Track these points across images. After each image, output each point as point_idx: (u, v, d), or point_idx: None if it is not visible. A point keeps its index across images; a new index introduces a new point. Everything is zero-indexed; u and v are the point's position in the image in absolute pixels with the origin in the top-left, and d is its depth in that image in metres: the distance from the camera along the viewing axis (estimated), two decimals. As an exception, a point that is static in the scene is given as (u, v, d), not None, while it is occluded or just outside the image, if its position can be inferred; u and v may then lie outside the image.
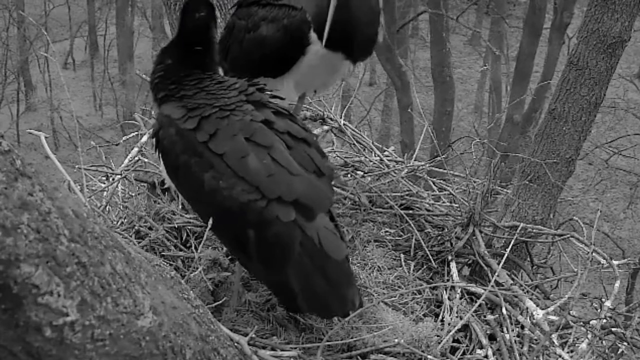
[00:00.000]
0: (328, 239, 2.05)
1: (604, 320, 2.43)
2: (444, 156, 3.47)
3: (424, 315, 2.53)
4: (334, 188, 2.46)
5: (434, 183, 3.33)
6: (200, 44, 2.25)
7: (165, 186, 2.87)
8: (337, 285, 2.09)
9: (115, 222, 2.88)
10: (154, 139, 2.19)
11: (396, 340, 2.24)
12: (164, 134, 2.12)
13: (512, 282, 2.66)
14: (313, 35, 2.56)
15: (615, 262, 2.63)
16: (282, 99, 2.28)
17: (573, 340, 2.47)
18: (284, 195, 1.99)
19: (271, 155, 2.01)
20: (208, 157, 2.01)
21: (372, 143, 3.49)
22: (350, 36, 2.53)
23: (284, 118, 2.16)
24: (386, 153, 3.46)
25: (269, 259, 2.05)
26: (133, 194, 3.11)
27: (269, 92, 2.25)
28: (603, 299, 2.55)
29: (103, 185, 3.11)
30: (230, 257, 2.53)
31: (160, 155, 2.18)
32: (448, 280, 2.70)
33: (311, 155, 2.11)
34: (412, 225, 2.89)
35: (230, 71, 2.74)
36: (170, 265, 2.33)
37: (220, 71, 2.38)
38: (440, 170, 3.48)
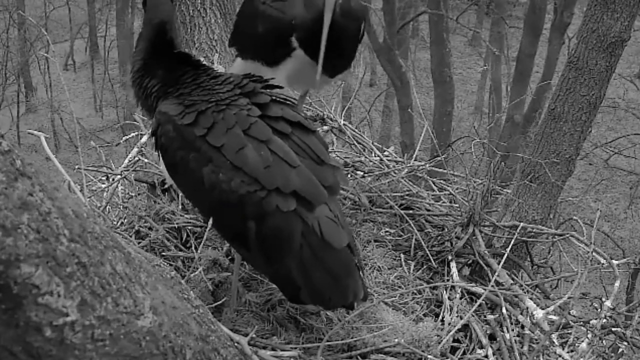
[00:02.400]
0: (329, 227, 2.03)
1: (604, 320, 2.43)
2: (444, 156, 3.47)
3: (424, 315, 2.53)
4: None
5: (434, 183, 3.33)
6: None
7: (165, 186, 2.87)
8: (338, 275, 2.07)
9: (115, 222, 2.89)
10: (153, 137, 2.19)
11: (396, 340, 2.24)
12: (162, 131, 2.13)
13: (512, 281, 2.66)
14: (294, 41, 2.60)
15: (615, 262, 2.63)
16: (280, 87, 2.29)
17: (573, 340, 2.47)
18: (282, 187, 1.98)
19: (269, 147, 2.01)
20: (206, 150, 2.02)
21: (372, 143, 3.49)
22: (329, 59, 2.56)
23: (280, 105, 2.15)
24: (386, 153, 3.46)
25: (270, 251, 2.04)
26: (133, 194, 3.11)
27: (265, 82, 2.24)
28: (603, 299, 2.54)
29: (103, 185, 3.11)
30: (230, 257, 2.54)
31: (159, 152, 2.19)
32: (448, 280, 2.70)
33: (308, 143, 2.10)
34: (412, 225, 2.89)
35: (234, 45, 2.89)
36: (171, 265, 2.34)
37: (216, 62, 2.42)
38: (441, 170, 3.49)
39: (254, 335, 2.09)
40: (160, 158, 2.19)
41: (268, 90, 2.20)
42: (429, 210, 3.05)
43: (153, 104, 2.24)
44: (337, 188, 2.14)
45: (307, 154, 2.08)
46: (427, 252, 2.79)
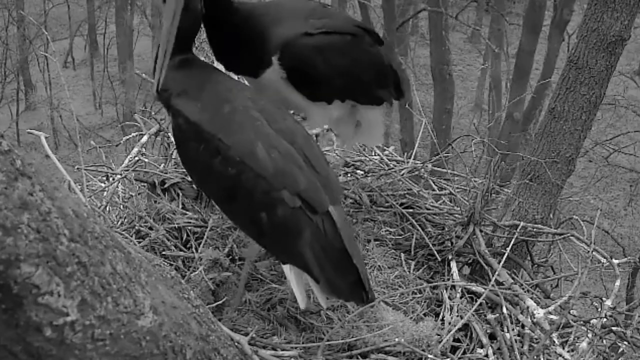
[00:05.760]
0: (330, 228, 2.07)
1: (605, 319, 2.43)
2: (445, 154, 3.47)
3: (425, 314, 2.53)
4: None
5: (434, 182, 3.33)
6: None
7: (166, 186, 2.87)
8: (343, 273, 2.10)
9: (115, 222, 2.88)
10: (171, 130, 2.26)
11: (397, 339, 2.24)
12: (175, 124, 2.18)
13: (512, 281, 2.66)
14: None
15: (616, 261, 2.63)
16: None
17: (573, 340, 2.46)
18: (289, 188, 2.03)
19: (279, 150, 2.05)
20: (217, 145, 2.06)
21: (372, 142, 3.48)
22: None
23: (288, 120, 2.21)
24: (386, 152, 3.45)
25: (283, 241, 2.09)
26: (133, 194, 3.11)
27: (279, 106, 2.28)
28: (603, 298, 2.55)
29: (103, 185, 3.12)
30: (230, 257, 2.54)
31: (174, 143, 2.27)
32: (448, 279, 2.70)
33: (309, 154, 2.13)
34: (414, 223, 2.89)
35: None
36: (171, 265, 2.34)
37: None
38: (441, 170, 3.48)
39: (254, 335, 2.09)
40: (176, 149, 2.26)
41: (280, 110, 2.24)
42: (429, 210, 3.04)
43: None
44: (335, 200, 2.16)
45: (308, 165, 2.11)
46: (433, 249, 2.78)
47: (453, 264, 2.75)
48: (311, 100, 2.54)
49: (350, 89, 2.63)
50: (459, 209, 3.07)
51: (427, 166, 3.34)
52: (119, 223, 2.86)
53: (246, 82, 2.58)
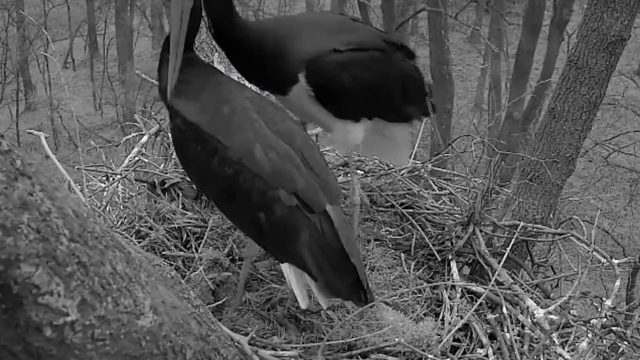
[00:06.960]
0: (328, 227, 2.08)
1: (605, 319, 2.43)
2: (445, 154, 3.47)
3: (425, 314, 2.53)
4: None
5: (434, 182, 3.33)
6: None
7: (166, 186, 2.87)
8: (341, 273, 2.11)
9: (115, 222, 2.89)
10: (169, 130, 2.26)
11: (397, 339, 2.24)
12: (173, 125, 2.19)
13: (512, 281, 2.66)
14: None
15: (616, 261, 2.62)
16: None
17: (573, 339, 2.46)
18: (286, 188, 2.03)
19: (277, 151, 2.06)
20: (215, 146, 2.07)
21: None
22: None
23: (286, 122, 2.20)
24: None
25: (282, 242, 2.09)
26: (133, 194, 3.12)
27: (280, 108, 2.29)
28: (603, 298, 2.54)
29: (103, 185, 3.12)
30: (230, 257, 2.54)
31: (173, 143, 2.27)
32: (448, 279, 2.70)
33: (308, 157, 2.13)
34: (414, 223, 2.89)
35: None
36: (171, 265, 2.34)
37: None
38: (442, 170, 3.48)
39: (254, 335, 2.09)
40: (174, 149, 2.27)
41: (280, 111, 2.25)
42: (429, 210, 3.04)
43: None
44: (333, 200, 2.15)
45: (306, 165, 2.11)
46: (433, 249, 2.78)
47: (453, 264, 2.75)
48: (338, 117, 2.49)
49: (378, 106, 2.57)
50: (459, 209, 3.07)
51: (427, 166, 3.34)
52: (119, 223, 2.86)
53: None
